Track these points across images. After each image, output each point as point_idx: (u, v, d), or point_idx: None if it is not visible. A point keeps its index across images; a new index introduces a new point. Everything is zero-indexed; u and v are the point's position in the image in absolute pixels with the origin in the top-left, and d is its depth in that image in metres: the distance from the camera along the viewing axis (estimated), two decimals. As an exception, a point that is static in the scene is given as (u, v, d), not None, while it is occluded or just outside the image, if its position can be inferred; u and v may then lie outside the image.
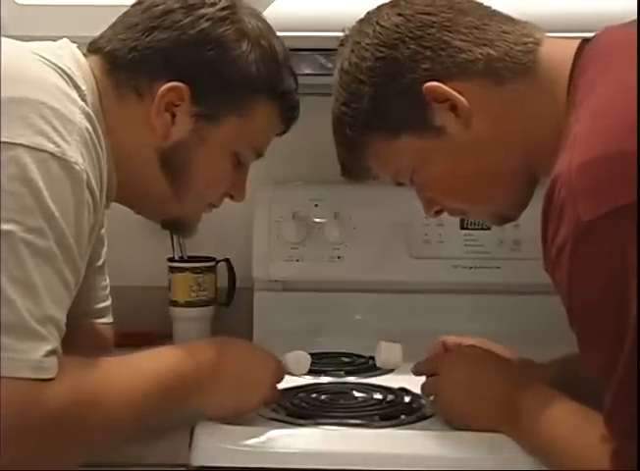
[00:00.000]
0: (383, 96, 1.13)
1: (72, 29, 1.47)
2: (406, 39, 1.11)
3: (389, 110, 1.14)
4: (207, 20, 1.16)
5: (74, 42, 1.18)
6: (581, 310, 0.96)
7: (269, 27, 1.22)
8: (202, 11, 1.16)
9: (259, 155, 1.26)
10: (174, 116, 1.16)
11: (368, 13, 1.18)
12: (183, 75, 1.15)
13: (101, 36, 1.19)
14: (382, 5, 1.17)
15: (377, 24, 1.14)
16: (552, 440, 1.04)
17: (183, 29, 1.15)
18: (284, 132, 1.28)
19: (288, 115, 1.25)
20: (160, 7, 1.17)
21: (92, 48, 1.19)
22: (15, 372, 0.95)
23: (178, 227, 1.29)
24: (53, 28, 1.56)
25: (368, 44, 1.13)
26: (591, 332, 0.96)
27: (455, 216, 1.26)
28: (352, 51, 1.15)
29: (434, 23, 1.11)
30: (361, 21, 1.17)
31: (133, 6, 1.20)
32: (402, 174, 1.19)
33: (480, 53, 1.10)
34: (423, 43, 1.11)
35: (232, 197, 1.27)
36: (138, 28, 1.16)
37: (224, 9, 1.17)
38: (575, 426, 1.03)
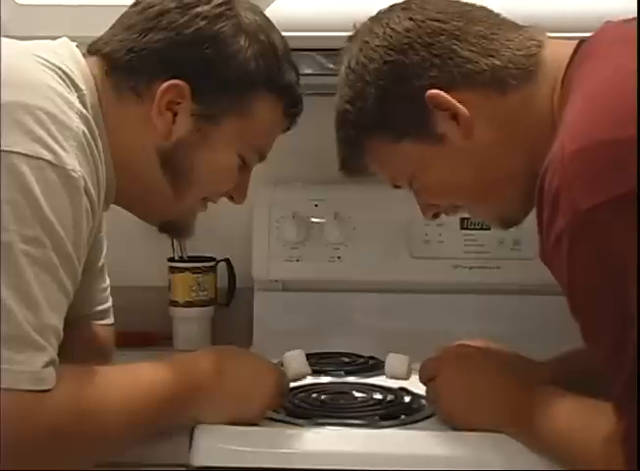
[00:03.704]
0: (387, 99, 1.13)
1: (72, 29, 1.47)
2: (416, 45, 1.11)
3: (392, 113, 1.14)
4: (203, 18, 1.15)
5: (73, 41, 1.17)
6: (583, 299, 0.96)
7: (267, 21, 1.21)
8: (198, 9, 1.15)
9: (262, 157, 1.25)
10: (175, 115, 1.16)
11: (380, 12, 1.18)
12: (181, 74, 1.14)
13: (100, 38, 1.19)
14: (394, 5, 1.17)
15: (387, 26, 1.14)
16: (560, 434, 1.04)
17: (179, 29, 1.15)
18: (288, 129, 1.26)
19: (290, 110, 1.23)
20: (156, 8, 1.16)
21: (92, 49, 1.19)
22: (14, 384, 0.95)
23: (176, 229, 1.28)
24: (53, 28, 1.56)
25: (377, 46, 1.13)
26: (595, 319, 0.96)
27: (455, 215, 1.26)
28: (361, 50, 1.15)
29: (444, 30, 1.11)
30: (372, 19, 1.17)
31: (130, 7, 1.20)
32: (401, 177, 1.19)
33: (486, 64, 1.10)
34: (432, 51, 1.11)
35: (232, 198, 1.27)
36: (135, 30, 1.16)
37: (219, 5, 1.16)
38: (583, 419, 1.03)
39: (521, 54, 1.10)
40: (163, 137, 1.16)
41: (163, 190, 1.19)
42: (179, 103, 1.15)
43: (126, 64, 1.15)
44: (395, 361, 1.28)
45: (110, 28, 1.20)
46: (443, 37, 1.11)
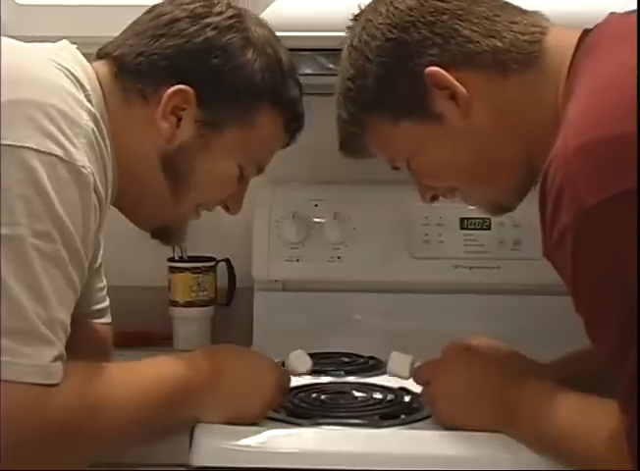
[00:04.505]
0: (388, 77, 1.14)
1: (71, 29, 1.47)
2: (418, 24, 1.12)
3: (392, 92, 1.14)
4: (213, 28, 1.17)
5: (73, 43, 1.18)
6: (588, 296, 0.96)
7: (275, 36, 1.23)
8: (208, 20, 1.17)
9: (260, 170, 1.26)
10: (179, 120, 1.17)
11: None
12: (188, 81, 1.16)
13: (110, 42, 1.21)
14: None
15: (391, 4, 1.14)
16: (560, 430, 1.04)
17: (188, 38, 1.16)
18: (287, 145, 1.28)
19: (291, 125, 1.25)
20: (167, 16, 1.18)
21: (101, 53, 1.20)
22: (21, 376, 0.96)
23: (168, 235, 1.28)
24: (53, 28, 1.56)
25: (380, 24, 1.14)
26: (599, 315, 0.96)
27: (452, 198, 1.25)
28: (364, 28, 1.16)
29: (447, 10, 1.12)
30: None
31: (143, 14, 1.21)
32: (399, 158, 1.20)
33: (487, 45, 1.11)
34: (434, 29, 1.12)
35: (227, 208, 1.28)
36: (146, 35, 1.18)
37: (230, 18, 1.18)
38: (583, 415, 1.03)
39: (525, 39, 1.11)
40: (166, 141, 1.17)
41: (162, 194, 1.20)
42: (184, 109, 1.16)
43: (135, 67, 1.17)
44: (398, 360, 1.28)
45: (121, 33, 1.21)
46: (445, 17, 1.12)
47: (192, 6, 1.18)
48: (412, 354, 1.28)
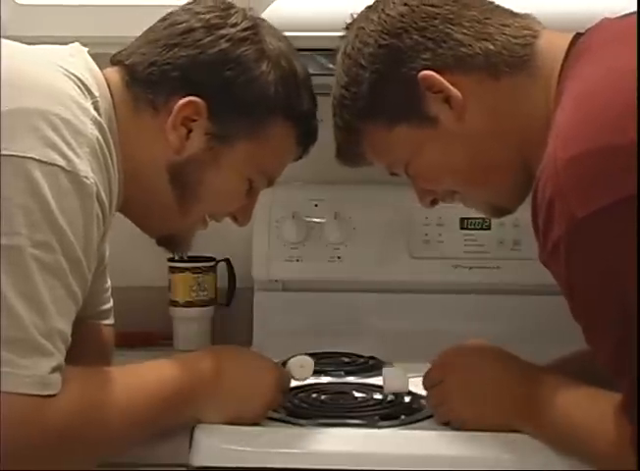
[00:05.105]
0: (382, 83, 1.14)
1: (71, 30, 1.47)
2: (410, 29, 1.13)
3: (386, 98, 1.15)
4: (227, 40, 1.16)
5: (72, 42, 1.18)
6: (584, 304, 0.97)
7: (291, 48, 1.22)
8: (223, 31, 1.16)
9: (270, 183, 1.26)
10: (189, 131, 1.16)
11: (376, 0, 1.18)
12: (199, 92, 1.15)
13: (124, 49, 1.20)
14: None
15: (382, 11, 1.15)
16: (565, 419, 1.04)
17: (202, 48, 1.15)
18: (300, 158, 1.27)
19: (304, 139, 1.24)
20: (182, 25, 1.17)
21: (114, 60, 1.19)
22: (18, 387, 0.95)
23: (173, 243, 1.28)
24: (53, 28, 1.56)
25: (372, 31, 1.15)
26: (596, 323, 0.97)
27: (451, 202, 1.25)
28: (357, 36, 1.16)
29: (438, 14, 1.13)
30: (369, 7, 1.18)
31: (158, 22, 1.21)
32: (397, 164, 1.20)
33: (479, 47, 1.11)
34: (426, 34, 1.12)
35: (235, 219, 1.27)
36: (159, 44, 1.17)
37: (245, 29, 1.17)
38: (590, 405, 1.03)
39: (516, 42, 1.11)
40: (175, 152, 1.16)
41: (168, 204, 1.20)
42: (194, 120, 1.16)
43: (146, 77, 1.16)
44: (394, 376, 1.27)
45: (135, 40, 1.20)
46: (437, 21, 1.12)
47: (208, 16, 1.17)
48: (412, 354, 1.28)
